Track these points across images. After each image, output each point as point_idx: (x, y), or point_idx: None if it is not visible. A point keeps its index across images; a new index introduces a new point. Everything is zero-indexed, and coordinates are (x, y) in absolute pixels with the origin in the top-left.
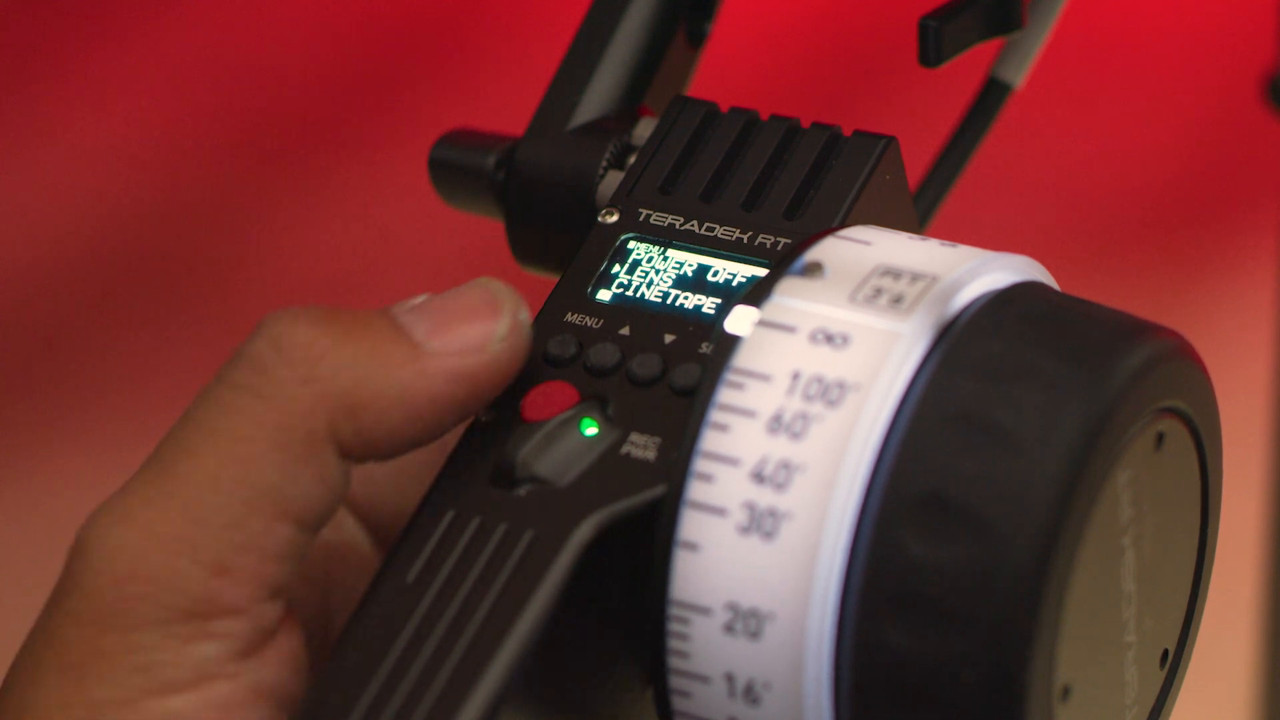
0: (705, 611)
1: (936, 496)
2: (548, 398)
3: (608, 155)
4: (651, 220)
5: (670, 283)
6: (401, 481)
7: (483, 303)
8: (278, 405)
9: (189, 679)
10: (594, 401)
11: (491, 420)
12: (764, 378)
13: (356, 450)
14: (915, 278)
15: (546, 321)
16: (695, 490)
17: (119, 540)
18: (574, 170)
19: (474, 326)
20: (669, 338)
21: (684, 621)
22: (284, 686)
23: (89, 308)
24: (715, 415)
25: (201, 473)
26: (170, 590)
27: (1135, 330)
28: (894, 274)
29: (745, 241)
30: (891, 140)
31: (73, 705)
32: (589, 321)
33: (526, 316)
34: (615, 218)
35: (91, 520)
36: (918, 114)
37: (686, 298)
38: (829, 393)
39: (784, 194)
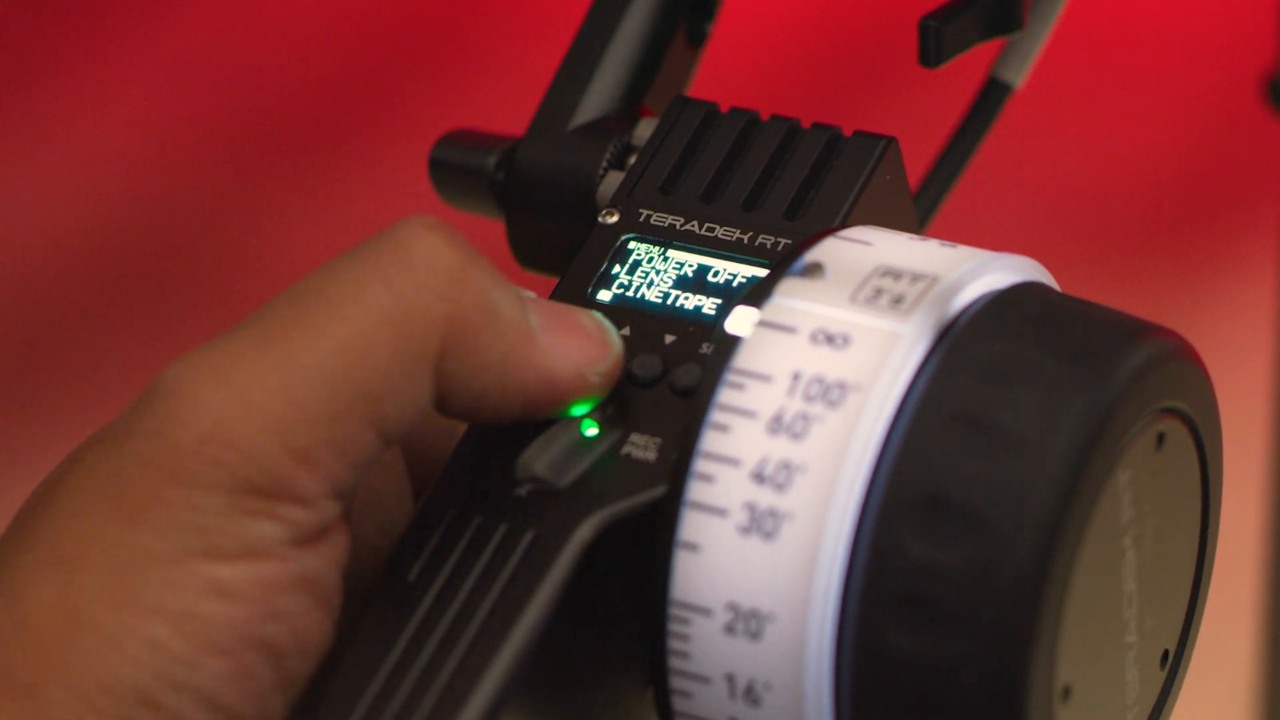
0: (706, 612)
1: (937, 497)
2: None
3: (608, 155)
4: (652, 221)
5: (670, 283)
6: (451, 435)
7: (596, 331)
8: (407, 309)
9: (241, 551)
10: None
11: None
12: (764, 378)
13: (441, 389)
14: (916, 278)
15: None
16: (696, 491)
17: (211, 399)
18: (574, 170)
19: (584, 349)
20: (669, 338)
21: (684, 622)
22: (326, 580)
23: (89, 307)
24: (716, 416)
25: (311, 357)
26: (249, 464)
27: (1135, 330)
28: (894, 274)
29: (745, 242)
30: (892, 140)
31: (119, 546)
32: None
33: (620, 366)
34: (616, 218)
35: (184, 368)
36: (918, 114)
37: (687, 298)
38: (830, 393)
39: (784, 194)
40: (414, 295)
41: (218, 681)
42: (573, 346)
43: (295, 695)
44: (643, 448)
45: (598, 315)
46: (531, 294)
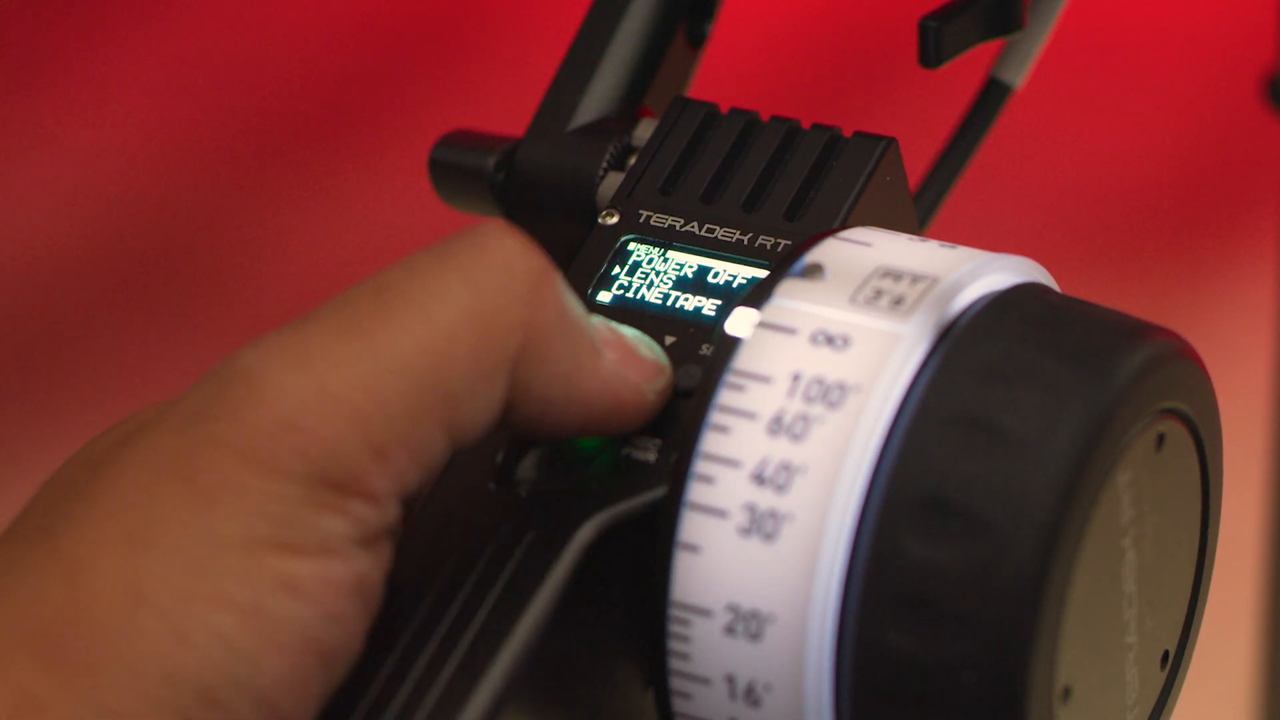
0: (706, 613)
1: (937, 498)
2: None
3: (608, 156)
4: (652, 222)
5: (670, 284)
6: None
7: (650, 353)
8: (490, 310)
9: (313, 546)
10: None
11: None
12: (764, 379)
13: (511, 397)
14: (916, 279)
15: None
16: (696, 492)
17: (292, 385)
18: (574, 171)
19: (641, 367)
20: (669, 339)
21: (685, 623)
22: (376, 587)
23: (89, 308)
24: (716, 417)
25: (395, 351)
26: (327, 455)
27: (1135, 331)
28: (894, 275)
29: (745, 243)
30: (891, 141)
31: (190, 530)
32: None
33: (670, 388)
34: (615, 219)
35: (261, 353)
36: (918, 114)
37: (687, 299)
38: (829, 394)
39: (784, 195)
40: (496, 297)
41: (277, 684)
42: (633, 363)
43: (321, 708)
44: (643, 449)
45: (645, 337)
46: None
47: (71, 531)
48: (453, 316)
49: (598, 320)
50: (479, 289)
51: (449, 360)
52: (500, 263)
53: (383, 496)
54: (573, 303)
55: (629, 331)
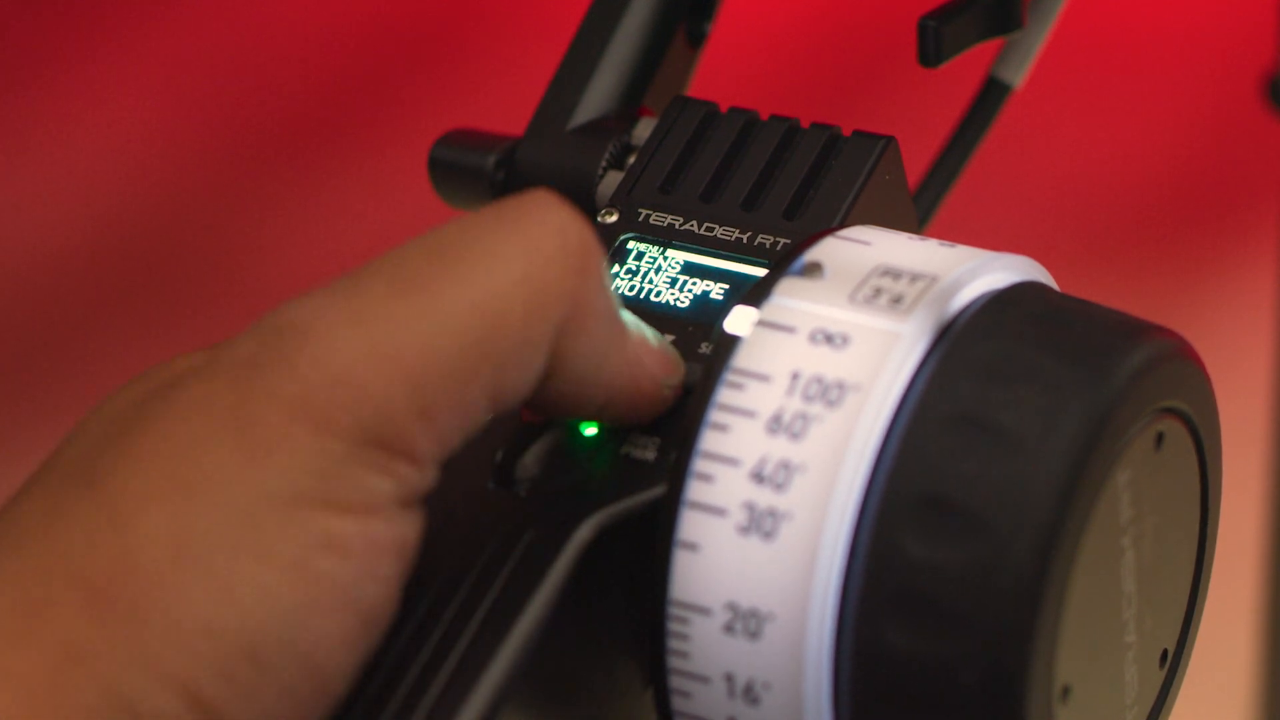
0: (705, 611)
1: (936, 497)
2: None
3: (607, 155)
4: (651, 220)
5: (669, 283)
6: None
7: (668, 351)
8: (543, 277)
9: (357, 504)
10: None
11: (491, 420)
12: (763, 378)
13: (549, 367)
14: (915, 278)
15: None
16: (695, 490)
17: (346, 341)
18: (574, 170)
19: (661, 359)
20: (668, 338)
21: (683, 622)
22: (413, 550)
23: (89, 307)
24: (715, 415)
25: (450, 311)
26: (378, 413)
27: (1135, 330)
28: (894, 274)
29: (745, 241)
30: (891, 140)
31: (238, 484)
32: None
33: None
34: (615, 218)
35: (315, 307)
36: (918, 114)
37: (686, 298)
38: (829, 393)
39: (783, 194)
40: (551, 265)
41: (320, 642)
42: (653, 356)
43: (359, 671)
44: (642, 447)
45: (662, 337)
46: None
47: (118, 477)
48: (509, 280)
49: (625, 312)
50: (535, 255)
51: (502, 324)
52: (554, 230)
53: (426, 458)
54: (612, 283)
55: (648, 330)
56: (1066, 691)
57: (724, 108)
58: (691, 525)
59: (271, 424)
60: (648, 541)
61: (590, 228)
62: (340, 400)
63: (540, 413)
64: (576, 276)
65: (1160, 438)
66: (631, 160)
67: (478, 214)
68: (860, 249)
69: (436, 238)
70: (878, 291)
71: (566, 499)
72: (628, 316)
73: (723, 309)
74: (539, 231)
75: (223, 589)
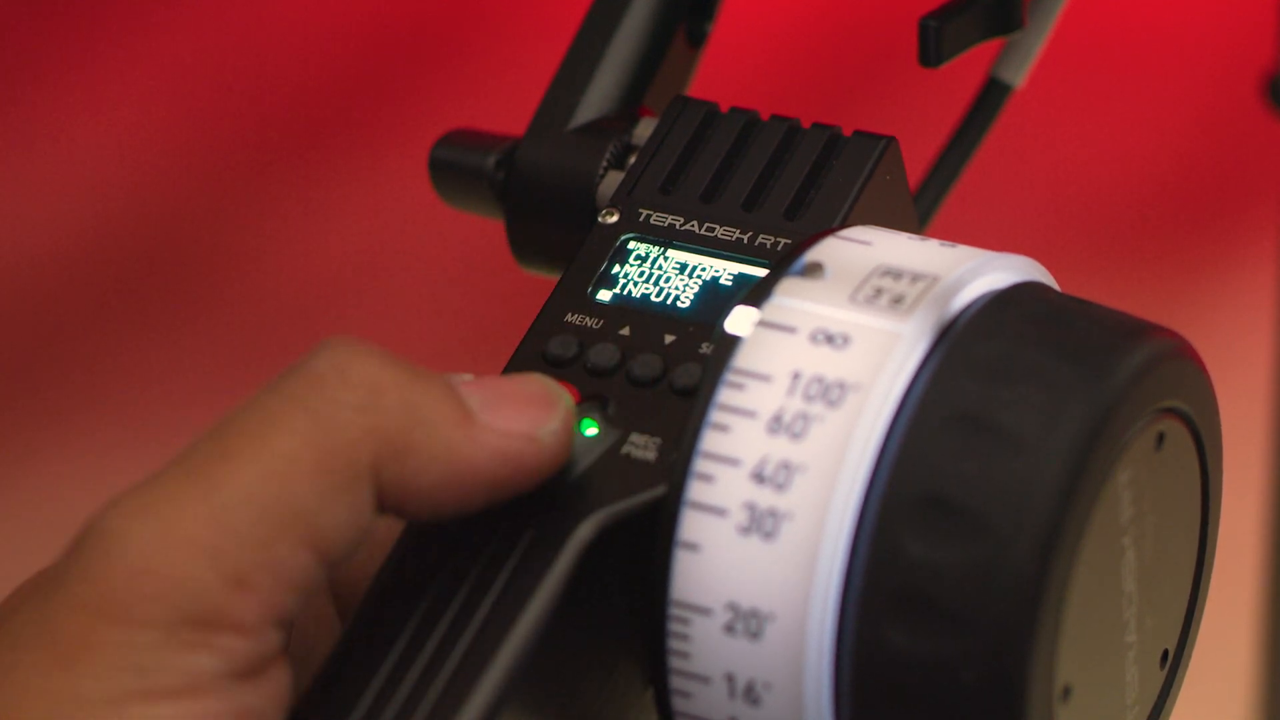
0: (705, 612)
1: (937, 497)
2: None
3: (608, 155)
4: (652, 220)
5: (670, 283)
6: (376, 562)
7: (539, 394)
8: (328, 428)
9: (181, 688)
10: (594, 402)
11: None
12: (764, 378)
13: (390, 497)
14: (916, 278)
15: (547, 322)
16: (695, 490)
17: (139, 533)
18: (574, 170)
19: (527, 413)
20: (669, 338)
21: (684, 622)
22: (266, 718)
23: (89, 307)
24: (715, 415)
25: (237, 482)
26: (182, 594)
27: (1135, 330)
28: (894, 274)
29: (745, 242)
30: (891, 140)
31: (56, 696)
32: (589, 322)
33: (572, 423)
34: (615, 218)
35: (110, 508)
36: (918, 114)
37: (686, 298)
38: (829, 393)
39: (784, 194)
40: (331, 412)
41: None
42: (516, 414)
43: None
44: (642, 447)
45: (540, 376)
46: (468, 376)
47: None
48: (290, 440)
49: (466, 379)
50: (312, 408)
51: (293, 480)
52: (332, 378)
53: (253, 625)
54: (423, 387)
55: (522, 380)
56: (1067, 691)
57: (724, 108)
58: (692, 525)
59: (78, 631)
60: (648, 541)
61: (379, 354)
62: (143, 590)
63: (428, 519)
64: (371, 413)
65: (1161, 437)
66: (632, 160)
67: (262, 389)
68: (861, 249)
69: (223, 421)
70: (878, 292)
71: (566, 498)
72: (477, 382)
73: (723, 309)
74: (316, 385)
75: None
